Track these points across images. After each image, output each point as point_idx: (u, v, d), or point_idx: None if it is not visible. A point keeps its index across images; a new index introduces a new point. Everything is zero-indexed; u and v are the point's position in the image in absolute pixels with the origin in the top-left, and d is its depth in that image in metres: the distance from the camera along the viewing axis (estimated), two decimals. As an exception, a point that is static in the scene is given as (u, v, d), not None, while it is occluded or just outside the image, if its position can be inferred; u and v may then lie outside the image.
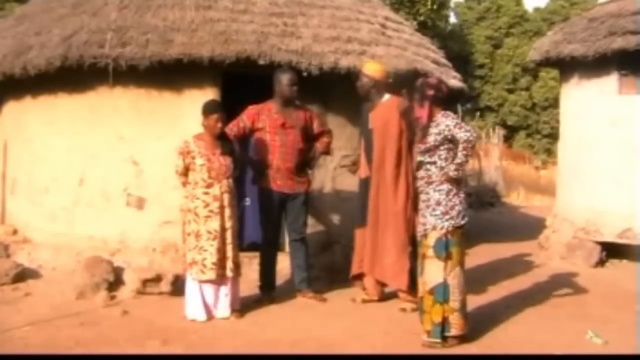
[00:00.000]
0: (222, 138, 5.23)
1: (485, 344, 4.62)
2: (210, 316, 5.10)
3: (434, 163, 4.57)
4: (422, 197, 4.66)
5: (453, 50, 22.78)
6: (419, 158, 4.69)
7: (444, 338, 4.50)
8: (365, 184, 5.70)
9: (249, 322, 5.10)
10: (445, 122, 4.56)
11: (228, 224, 5.13)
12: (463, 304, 4.57)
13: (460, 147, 4.51)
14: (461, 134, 4.50)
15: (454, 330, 4.51)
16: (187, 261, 5.17)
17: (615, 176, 7.66)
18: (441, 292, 4.48)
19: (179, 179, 5.30)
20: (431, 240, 4.54)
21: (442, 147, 4.57)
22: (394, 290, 5.62)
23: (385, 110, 5.53)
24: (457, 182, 4.58)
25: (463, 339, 4.58)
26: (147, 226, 6.57)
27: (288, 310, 5.50)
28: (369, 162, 5.64)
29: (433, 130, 4.58)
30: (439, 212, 4.52)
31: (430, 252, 4.55)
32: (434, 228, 4.52)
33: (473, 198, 13.94)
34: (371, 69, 5.67)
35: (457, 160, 4.53)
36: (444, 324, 4.49)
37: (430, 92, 4.63)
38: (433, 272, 4.52)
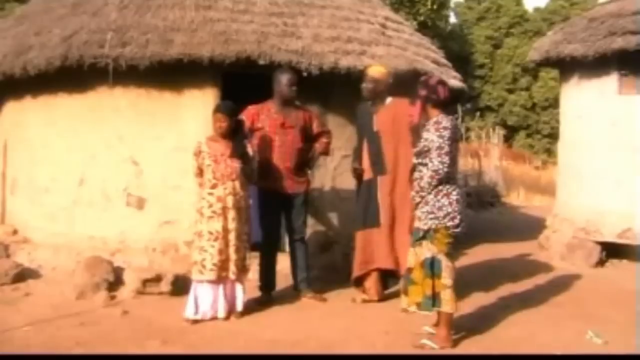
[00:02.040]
0: (233, 139, 5.21)
1: (485, 344, 4.62)
2: (203, 317, 5.06)
3: (425, 165, 4.55)
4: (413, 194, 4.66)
5: (453, 50, 22.80)
6: (413, 160, 4.69)
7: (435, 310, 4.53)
8: (368, 186, 5.68)
9: (249, 322, 5.10)
10: (432, 135, 4.53)
11: (231, 225, 5.11)
12: (456, 283, 4.54)
13: (434, 153, 4.47)
14: (435, 141, 4.46)
15: (445, 307, 4.48)
16: (191, 260, 5.20)
17: (615, 176, 7.65)
18: (429, 266, 4.48)
19: (196, 180, 5.30)
20: (416, 234, 4.59)
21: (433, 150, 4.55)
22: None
23: (392, 112, 5.53)
24: (446, 182, 4.53)
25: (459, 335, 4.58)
26: (147, 226, 6.57)
27: (288, 310, 5.50)
28: (373, 164, 5.63)
29: (424, 134, 4.56)
30: (425, 210, 4.52)
31: (416, 242, 4.61)
32: (418, 219, 4.55)
33: (473, 198, 13.95)
34: (376, 72, 5.67)
35: (432, 167, 4.48)
36: (434, 298, 4.48)
37: (423, 93, 4.60)
38: (423, 250, 4.54)
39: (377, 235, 5.57)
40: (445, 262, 4.50)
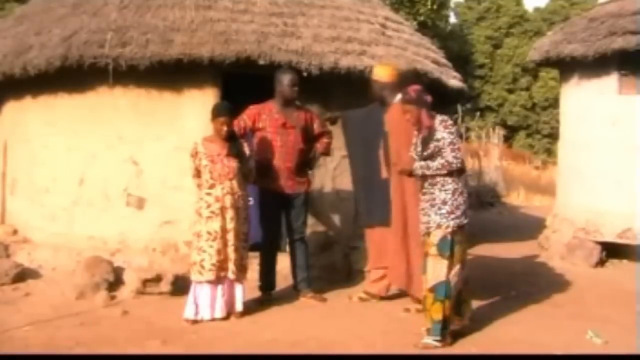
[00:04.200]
0: (230, 140, 5.22)
1: (485, 344, 4.62)
2: (203, 317, 5.05)
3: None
4: (426, 197, 4.66)
5: (453, 50, 22.80)
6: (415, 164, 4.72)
7: (444, 336, 4.52)
8: (385, 184, 5.62)
9: (248, 322, 5.10)
10: (442, 133, 4.60)
11: (230, 225, 5.10)
12: (457, 300, 4.63)
13: (448, 149, 4.55)
14: (447, 138, 4.57)
15: (450, 326, 4.58)
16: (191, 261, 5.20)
17: (615, 176, 7.66)
18: (442, 290, 4.50)
19: (194, 181, 5.29)
20: (435, 238, 4.55)
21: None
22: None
23: (397, 112, 5.51)
24: (458, 174, 4.60)
25: (457, 335, 4.61)
26: (147, 226, 6.57)
27: (288, 310, 5.50)
28: (389, 164, 5.60)
29: (435, 135, 4.62)
30: (444, 211, 4.54)
31: (433, 250, 4.56)
32: (439, 227, 4.54)
33: (473, 198, 13.94)
34: (379, 73, 5.64)
35: (446, 158, 4.55)
36: (445, 322, 4.51)
37: (429, 99, 4.70)
38: (437, 270, 4.53)
39: (392, 241, 5.39)
40: (459, 278, 4.55)
